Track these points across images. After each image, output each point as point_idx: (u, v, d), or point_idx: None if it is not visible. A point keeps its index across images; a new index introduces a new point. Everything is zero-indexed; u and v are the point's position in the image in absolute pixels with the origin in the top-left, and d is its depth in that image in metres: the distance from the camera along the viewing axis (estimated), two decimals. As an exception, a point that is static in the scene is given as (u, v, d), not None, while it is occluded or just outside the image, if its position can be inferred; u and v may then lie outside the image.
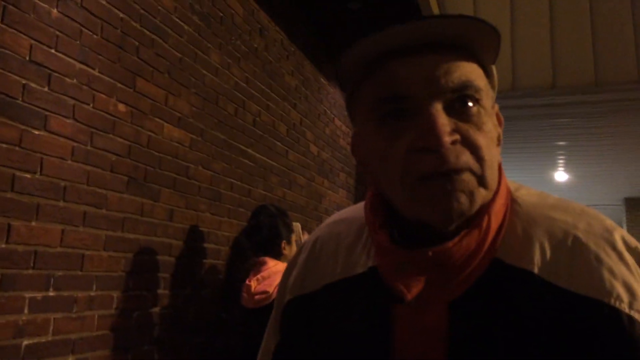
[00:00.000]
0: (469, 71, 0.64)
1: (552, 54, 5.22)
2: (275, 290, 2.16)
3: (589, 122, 6.02)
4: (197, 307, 2.79)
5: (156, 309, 2.49)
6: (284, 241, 2.56)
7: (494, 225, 0.65)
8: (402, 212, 0.66)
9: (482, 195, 0.63)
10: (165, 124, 2.56)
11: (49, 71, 1.94)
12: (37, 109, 1.89)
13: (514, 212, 0.68)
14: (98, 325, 2.13)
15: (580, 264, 0.63)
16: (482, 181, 0.62)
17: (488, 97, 0.66)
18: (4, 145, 1.77)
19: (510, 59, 5.31)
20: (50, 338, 1.91)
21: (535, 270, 0.63)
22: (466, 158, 0.61)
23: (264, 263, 2.29)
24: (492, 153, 0.64)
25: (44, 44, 1.92)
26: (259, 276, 2.22)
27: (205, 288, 2.86)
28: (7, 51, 1.78)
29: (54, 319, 1.93)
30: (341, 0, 3.87)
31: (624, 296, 0.60)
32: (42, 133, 1.91)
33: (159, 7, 2.54)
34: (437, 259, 0.63)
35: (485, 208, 0.65)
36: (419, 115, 0.62)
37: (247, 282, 2.21)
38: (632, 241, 0.66)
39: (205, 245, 2.88)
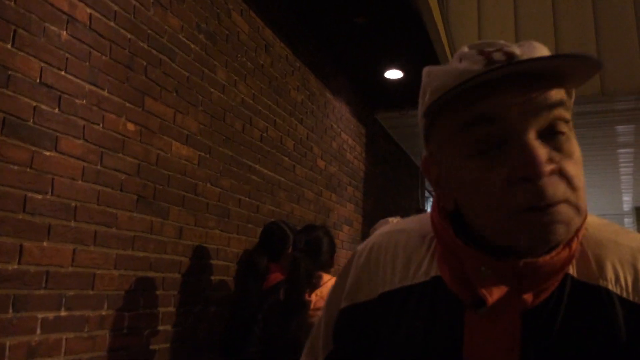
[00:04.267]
0: (560, 93, 0.63)
1: (558, 64, 5.23)
2: None
3: (596, 132, 6.01)
4: (207, 325, 2.79)
5: (167, 327, 2.49)
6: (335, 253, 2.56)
7: (577, 245, 0.66)
8: (490, 238, 0.66)
9: (576, 223, 0.63)
10: (174, 142, 2.58)
11: (59, 93, 1.96)
12: (47, 130, 1.91)
13: (583, 235, 0.69)
14: (109, 344, 2.13)
15: None
16: (577, 210, 0.63)
17: (570, 117, 0.66)
18: (16, 167, 1.79)
19: (515, 71, 5.32)
20: (62, 358, 1.91)
21: (610, 287, 0.65)
22: (563, 189, 0.61)
23: (320, 277, 2.32)
24: (582, 180, 0.64)
25: (54, 66, 1.94)
26: (317, 291, 2.23)
27: (214, 305, 2.86)
28: (18, 74, 1.81)
29: (66, 339, 1.94)
30: (347, 15, 3.90)
31: None
32: (52, 154, 1.93)
33: (166, 27, 2.57)
34: (524, 270, 0.64)
35: (576, 231, 0.66)
36: (514, 144, 0.61)
37: (307, 297, 2.22)
38: None
39: (215, 262, 2.89)
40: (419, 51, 4.35)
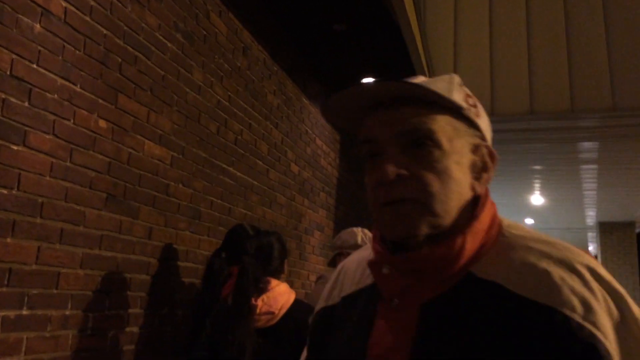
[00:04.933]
0: (425, 119, 0.77)
1: (530, 80, 5.34)
2: (280, 311, 2.13)
3: (564, 147, 6.15)
4: (174, 327, 2.75)
5: (133, 329, 2.45)
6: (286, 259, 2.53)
7: (470, 245, 0.76)
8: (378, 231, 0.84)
9: (428, 221, 0.75)
10: (146, 141, 2.55)
11: (30, 86, 1.92)
12: (16, 124, 1.86)
13: (498, 241, 0.80)
14: (72, 345, 2.08)
15: (545, 281, 0.72)
16: (428, 210, 0.75)
17: (457, 137, 0.78)
18: (-19, 160, 1.74)
19: (489, 86, 5.41)
20: (22, 358, 1.86)
21: (502, 282, 0.74)
22: (411, 190, 0.75)
23: (268, 282, 2.30)
24: (446, 187, 0.76)
25: (25, 59, 1.90)
26: (263, 296, 2.21)
27: (182, 308, 2.82)
28: (-13, 65, 1.76)
29: (27, 338, 1.89)
30: (326, 22, 3.91)
31: (579, 308, 0.69)
32: (20, 148, 1.88)
33: (143, 25, 2.54)
34: (412, 263, 0.77)
35: (460, 229, 0.76)
36: (381, 156, 0.78)
37: (253, 301, 2.19)
38: (604, 274, 0.75)
39: (184, 264, 2.85)
40: (395, 61, 4.39)
